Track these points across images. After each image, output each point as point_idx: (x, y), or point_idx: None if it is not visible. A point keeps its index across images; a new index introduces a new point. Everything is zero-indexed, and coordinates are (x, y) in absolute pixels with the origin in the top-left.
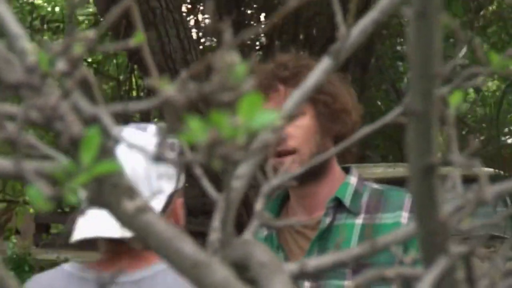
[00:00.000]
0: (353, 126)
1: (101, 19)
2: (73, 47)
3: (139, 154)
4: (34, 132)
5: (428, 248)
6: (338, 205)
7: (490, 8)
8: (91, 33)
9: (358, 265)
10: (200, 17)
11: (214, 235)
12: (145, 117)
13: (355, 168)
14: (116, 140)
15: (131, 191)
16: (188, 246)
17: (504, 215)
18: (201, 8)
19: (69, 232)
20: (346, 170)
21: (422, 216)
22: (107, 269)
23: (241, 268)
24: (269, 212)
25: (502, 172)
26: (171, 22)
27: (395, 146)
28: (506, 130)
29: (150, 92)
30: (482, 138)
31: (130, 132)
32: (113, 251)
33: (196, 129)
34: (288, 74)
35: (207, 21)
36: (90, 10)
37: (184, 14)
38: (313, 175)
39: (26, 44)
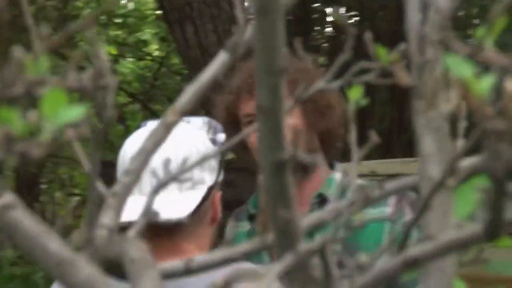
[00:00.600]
0: (337, 120)
1: None
2: None
3: (183, 143)
4: None
5: (280, 245)
6: (322, 201)
7: None
8: None
9: (345, 247)
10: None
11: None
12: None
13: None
14: None
15: None
16: (53, 244)
17: None
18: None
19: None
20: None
21: (273, 213)
22: None
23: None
24: (254, 207)
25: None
26: (208, 16)
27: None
28: None
29: None
30: None
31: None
32: (152, 241)
33: None
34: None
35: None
36: None
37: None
38: (299, 171)
39: None
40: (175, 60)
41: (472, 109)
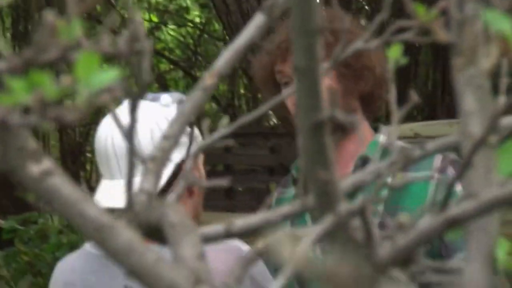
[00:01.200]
0: (378, 81)
1: None
2: None
3: (145, 122)
4: None
5: (319, 207)
6: (365, 163)
7: None
8: None
9: (389, 210)
10: None
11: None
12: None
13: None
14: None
15: (36, 155)
16: (92, 209)
17: None
18: None
19: None
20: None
21: (312, 175)
22: None
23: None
24: (296, 171)
25: None
26: None
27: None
28: None
29: None
30: None
31: (143, 104)
32: None
33: (19, 90)
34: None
35: None
36: None
37: None
38: (338, 131)
39: None
40: (216, 26)
41: None
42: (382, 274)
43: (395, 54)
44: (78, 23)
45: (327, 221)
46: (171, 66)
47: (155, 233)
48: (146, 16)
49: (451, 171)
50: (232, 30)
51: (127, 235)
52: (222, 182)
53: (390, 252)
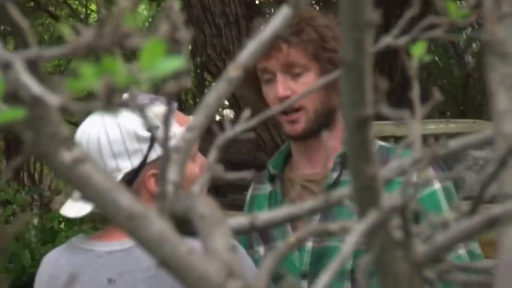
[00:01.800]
0: None
1: None
2: None
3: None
4: None
5: (361, 202)
6: (345, 160)
7: None
8: None
9: None
10: None
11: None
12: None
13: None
14: (26, 88)
15: (68, 142)
16: (124, 198)
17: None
18: None
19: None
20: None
21: (355, 170)
22: (104, 239)
23: (186, 221)
24: (273, 166)
25: None
26: None
27: (453, 102)
28: None
29: None
30: None
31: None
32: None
33: (89, 76)
34: (290, 31)
35: None
36: None
37: None
38: (315, 129)
39: None
40: None
41: None
42: (419, 272)
43: (419, 51)
44: (144, 10)
45: (371, 217)
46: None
47: (180, 224)
48: (94, 7)
49: (431, 172)
50: (193, 24)
51: (159, 225)
52: (247, 174)
53: (428, 250)
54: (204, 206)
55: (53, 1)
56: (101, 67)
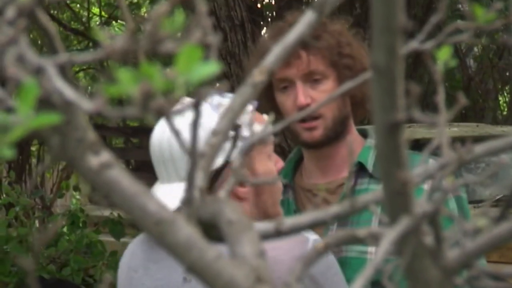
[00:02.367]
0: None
1: None
2: None
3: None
4: None
5: (392, 208)
6: (360, 169)
7: None
8: None
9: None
10: None
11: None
12: None
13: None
14: (59, 93)
15: (96, 147)
16: (152, 203)
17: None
18: None
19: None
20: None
21: (386, 175)
22: None
23: (212, 226)
24: (284, 175)
25: None
26: None
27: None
28: None
29: None
30: None
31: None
32: None
33: (127, 81)
34: (309, 39)
35: None
36: None
37: None
38: (332, 137)
39: None
40: None
41: None
42: (450, 278)
43: (444, 56)
44: (182, 16)
45: (403, 223)
46: None
47: (207, 229)
48: (97, 11)
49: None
50: None
51: (187, 230)
52: (275, 179)
53: (459, 257)
54: (232, 212)
55: (54, 5)
56: (138, 72)
